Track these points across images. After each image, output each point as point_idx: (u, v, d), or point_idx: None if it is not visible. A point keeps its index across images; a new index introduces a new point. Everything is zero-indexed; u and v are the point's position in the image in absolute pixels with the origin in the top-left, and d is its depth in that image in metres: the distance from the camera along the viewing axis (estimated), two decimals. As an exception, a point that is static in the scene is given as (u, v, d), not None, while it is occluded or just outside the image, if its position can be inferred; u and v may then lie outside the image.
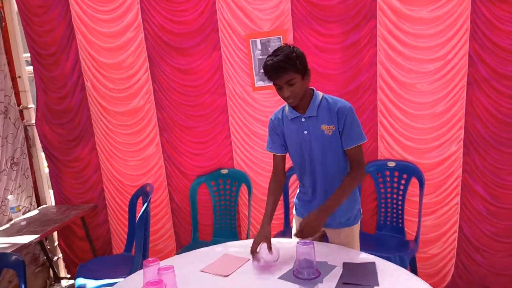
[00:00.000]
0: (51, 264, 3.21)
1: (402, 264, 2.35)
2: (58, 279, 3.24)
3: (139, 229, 2.17)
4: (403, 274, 1.58)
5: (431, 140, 2.61)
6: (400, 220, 2.73)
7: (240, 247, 1.89)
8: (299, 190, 1.98)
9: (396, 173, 2.73)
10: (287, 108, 1.81)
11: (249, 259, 1.72)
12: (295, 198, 2.02)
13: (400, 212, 2.73)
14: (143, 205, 2.39)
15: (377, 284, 1.46)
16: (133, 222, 2.60)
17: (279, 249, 1.64)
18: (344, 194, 1.74)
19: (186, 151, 2.89)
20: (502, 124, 2.46)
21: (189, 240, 2.91)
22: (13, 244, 2.35)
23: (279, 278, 1.34)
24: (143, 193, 2.61)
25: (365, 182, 2.79)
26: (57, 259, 3.32)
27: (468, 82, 2.49)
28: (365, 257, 1.72)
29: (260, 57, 2.71)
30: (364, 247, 1.87)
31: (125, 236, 2.86)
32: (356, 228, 1.92)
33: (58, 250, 3.33)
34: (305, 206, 1.92)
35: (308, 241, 1.36)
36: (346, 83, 2.66)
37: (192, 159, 2.90)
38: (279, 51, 1.64)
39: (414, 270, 2.64)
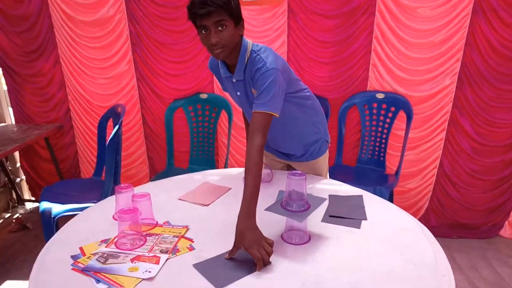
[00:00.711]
0: (13, 185, 3.03)
1: (381, 197, 2.33)
2: (21, 201, 3.09)
3: (109, 153, 1.99)
4: (391, 208, 1.51)
5: (426, 71, 2.47)
6: (382, 154, 2.67)
7: (221, 175, 1.77)
8: None
9: (384, 106, 2.62)
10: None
11: (230, 188, 1.60)
12: None
13: (383, 146, 2.66)
14: (113, 127, 2.19)
15: (365, 218, 1.39)
16: (102, 145, 2.41)
17: (273, 172, 1.52)
18: (252, 183, 1.24)
19: (162, 71, 2.62)
20: (502, 58, 2.34)
21: (163, 166, 2.77)
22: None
23: (266, 209, 1.23)
24: (113, 114, 2.38)
25: (351, 114, 2.67)
26: (20, 180, 3.14)
27: (474, 10, 2.29)
28: (352, 190, 1.64)
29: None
30: (343, 179, 1.79)
31: (95, 160, 2.68)
32: (323, 159, 1.79)
33: (21, 172, 3.13)
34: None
35: (300, 172, 1.23)
36: (344, 2, 2.40)
37: (169, 80, 2.65)
38: None
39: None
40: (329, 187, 1.67)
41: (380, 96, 2.60)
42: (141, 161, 2.83)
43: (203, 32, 1.33)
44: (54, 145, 2.82)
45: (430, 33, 2.39)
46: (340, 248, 1.22)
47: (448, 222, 2.72)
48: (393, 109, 2.59)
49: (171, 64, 2.61)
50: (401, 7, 2.37)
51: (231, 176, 1.77)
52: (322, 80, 2.61)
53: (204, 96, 2.65)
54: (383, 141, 2.66)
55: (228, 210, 1.39)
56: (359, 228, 1.33)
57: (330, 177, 2.52)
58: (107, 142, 1.97)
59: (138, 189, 1.43)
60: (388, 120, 2.62)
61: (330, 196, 1.56)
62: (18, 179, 3.11)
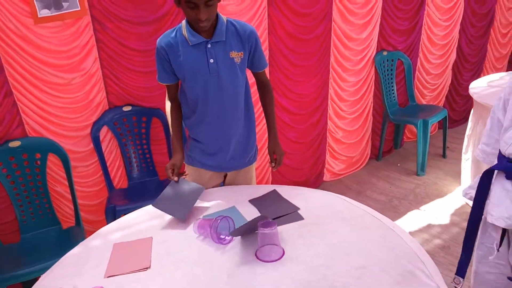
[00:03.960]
0: None
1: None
2: None
3: None
4: (299, 190, 1.66)
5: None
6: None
7: (116, 230, 1.47)
8: (194, 138, 1.73)
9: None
10: (185, 32, 1.53)
11: (151, 237, 1.37)
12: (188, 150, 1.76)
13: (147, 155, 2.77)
14: None
15: (298, 208, 1.49)
16: None
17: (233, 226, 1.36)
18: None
19: None
20: (296, 40, 2.80)
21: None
22: None
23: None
24: None
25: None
26: None
27: (269, 3, 2.63)
28: (261, 188, 1.69)
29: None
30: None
31: None
32: (254, 165, 1.88)
33: None
34: (207, 155, 1.72)
35: (270, 221, 1.21)
36: (154, 9, 2.29)
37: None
38: None
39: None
40: (234, 195, 1.65)
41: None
42: None
43: (190, 8, 1.41)
44: None
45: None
46: (312, 240, 1.28)
47: (288, 183, 3.16)
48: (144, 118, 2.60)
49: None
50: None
51: (130, 224, 1.50)
52: (147, 90, 2.45)
53: (15, 144, 2.05)
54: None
55: (176, 257, 1.21)
56: (303, 219, 1.42)
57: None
58: None
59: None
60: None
61: (250, 201, 1.57)
62: None
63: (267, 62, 1.98)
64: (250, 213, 1.48)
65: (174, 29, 1.57)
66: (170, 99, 1.72)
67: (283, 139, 3.03)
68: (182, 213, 1.46)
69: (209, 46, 1.52)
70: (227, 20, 1.57)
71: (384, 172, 3.47)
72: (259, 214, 1.47)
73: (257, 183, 2.96)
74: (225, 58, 1.55)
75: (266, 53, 2.74)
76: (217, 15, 1.53)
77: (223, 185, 1.85)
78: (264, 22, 2.66)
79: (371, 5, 3.08)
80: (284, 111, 2.97)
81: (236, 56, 1.56)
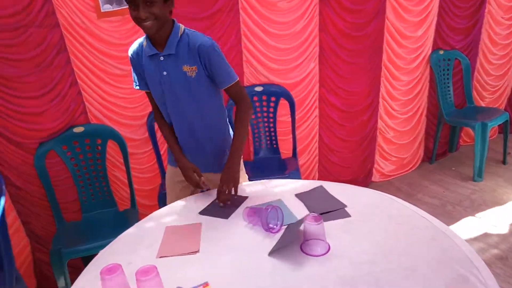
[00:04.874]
0: None
1: (298, 178, 2.52)
2: None
3: (4, 234, 1.45)
4: (348, 188, 1.65)
5: (293, 59, 2.71)
6: (274, 142, 2.83)
7: (170, 214, 1.55)
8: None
9: (264, 97, 2.75)
10: (145, 42, 1.53)
11: (200, 223, 1.43)
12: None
13: (273, 134, 2.82)
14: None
15: (345, 205, 1.48)
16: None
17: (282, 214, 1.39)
18: (244, 132, 1.63)
19: (14, 111, 2.04)
20: (348, 37, 2.76)
21: (47, 229, 2.21)
22: None
23: (270, 254, 1.20)
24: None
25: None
26: None
27: (320, 0, 2.61)
28: (307, 183, 1.70)
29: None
30: (252, 175, 1.85)
31: None
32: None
33: None
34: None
35: (317, 215, 1.22)
36: (208, 4, 2.36)
37: (26, 121, 2.08)
38: None
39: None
40: (280, 188, 1.67)
41: (258, 89, 2.72)
42: (14, 230, 2.17)
43: (132, 7, 1.37)
44: None
45: (290, 24, 2.61)
46: (358, 236, 1.28)
47: (335, 182, 3.13)
48: (273, 98, 2.75)
49: (27, 101, 2.06)
50: (262, 3, 2.50)
51: (181, 209, 1.57)
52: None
53: (79, 129, 2.21)
54: (272, 129, 2.81)
55: (225, 243, 1.26)
56: (350, 216, 1.41)
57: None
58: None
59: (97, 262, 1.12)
60: (271, 110, 2.78)
61: (297, 195, 1.58)
62: None
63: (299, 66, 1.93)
64: (297, 207, 1.49)
65: (143, 38, 1.55)
66: (153, 107, 1.69)
67: (331, 137, 3.01)
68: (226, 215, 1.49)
69: (161, 58, 1.49)
70: (184, 32, 1.49)
71: (437, 176, 3.32)
72: (306, 208, 1.48)
73: (303, 179, 2.98)
74: (177, 71, 1.50)
75: (315, 50, 2.73)
76: (173, 26, 1.47)
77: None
78: (315, 19, 2.65)
79: (427, 2, 2.95)
80: (333, 108, 2.94)
81: (190, 70, 1.49)
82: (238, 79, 1.56)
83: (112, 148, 2.32)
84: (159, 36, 1.46)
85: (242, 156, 1.68)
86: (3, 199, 1.51)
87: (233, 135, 1.64)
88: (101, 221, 2.20)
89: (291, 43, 2.65)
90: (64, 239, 2.05)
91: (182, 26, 1.51)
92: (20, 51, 1.96)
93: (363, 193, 1.59)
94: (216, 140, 1.70)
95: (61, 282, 2.01)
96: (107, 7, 2.10)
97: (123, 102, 2.31)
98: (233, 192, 1.56)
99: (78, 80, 2.18)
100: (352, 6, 2.68)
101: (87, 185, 2.27)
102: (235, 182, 1.56)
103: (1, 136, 2.04)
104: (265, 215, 1.31)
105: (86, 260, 2.27)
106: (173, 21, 1.50)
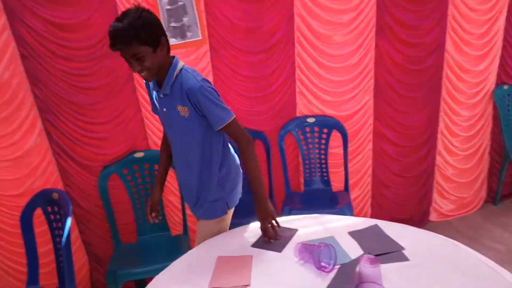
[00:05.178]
0: None
1: (350, 214, 2.46)
2: None
3: (67, 254, 1.55)
4: (407, 229, 1.57)
5: (347, 92, 2.69)
6: (325, 174, 2.80)
7: (219, 243, 1.56)
8: None
9: (317, 128, 2.74)
10: None
11: (251, 256, 1.43)
12: None
13: (324, 166, 2.79)
14: (48, 220, 1.74)
15: (402, 247, 1.41)
16: (31, 245, 1.86)
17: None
18: (256, 175, 1.56)
19: (84, 136, 2.20)
20: (404, 70, 2.71)
21: (104, 249, 2.32)
22: None
23: None
24: (43, 203, 1.87)
25: (288, 139, 2.72)
26: None
27: (377, 33, 2.61)
28: (361, 221, 1.65)
29: (169, 7, 2.20)
30: (302, 207, 1.79)
31: (15, 267, 2.08)
32: (214, 223, 1.66)
33: None
34: None
35: (373, 257, 1.19)
36: (265, 38, 2.44)
37: (93, 145, 2.23)
38: (124, 16, 1.38)
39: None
40: (332, 224, 1.63)
41: (311, 120, 2.72)
42: (75, 249, 2.30)
43: (126, 61, 1.41)
44: None
45: (345, 57, 2.61)
46: (419, 285, 1.21)
47: (389, 220, 3.00)
48: (325, 130, 2.74)
49: (95, 126, 2.21)
50: (318, 36, 2.53)
51: (232, 239, 1.58)
52: (254, 114, 2.60)
53: (139, 155, 2.33)
54: (323, 161, 2.78)
55: (275, 279, 1.24)
56: (408, 260, 1.34)
57: (284, 206, 2.55)
58: (63, 242, 1.53)
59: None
60: (323, 141, 2.76)
61: (350, 233, 1.54)
62: None
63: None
64: (350, 245, 1.45)
65: None
66: (163, 135, 1.80)
67: (386, 171, 2.92)
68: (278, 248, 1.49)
69: (161, 96, 1.54)
70: (180, 71, 1.50)
71: (503, 219, 3.08)
72: (360, 248, 1.43)
73: (355, 215, 2.89)
74: (173, 110, 1.53)
75: (370, 83, 2.70)
76: (170, 66, 1.49)
77: None
78: (370, 52, 2.63)
79: (490, 36, 2.83)
80: (388, 142, 2.86)
81: (182, 110, 1.50)
82: (231, 119, 1.51)
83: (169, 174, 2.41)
84: (160, 76, 1.51)
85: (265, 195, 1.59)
86: (69, 220, 1.61)
87: (248, 177, 1.58)
88: (155, 245, 2.26)
89: (345, 76, 2.65)
90: (120, 261, 2.13)
91: (180, 65, 1.51)
92: (92, 80, 2.13)
93: (423, 235, 1.51)
94: (204, 176, 1.64)
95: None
96: (172, 41, 2.24)
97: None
98: (275, 224, 1.55)
99: (142, 108, 2.32)
100: (410, 40, 2.64)
101: (144, 208, 2.36)
102: (272, 215, 1.56)
103: (71, 159, 2.20)
104: (318, 253, 1.28)
105: (139, 283, 2.36)
106: (172, 59, 1.51)
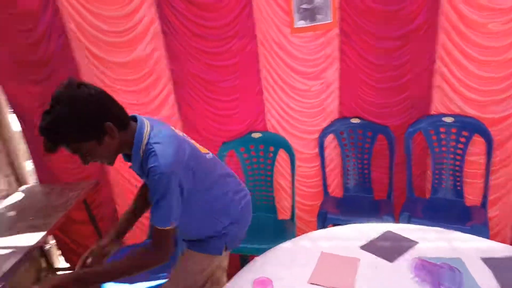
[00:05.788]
0: (43, 253, 2.65)
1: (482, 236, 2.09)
2: (53, 270, 2.70)
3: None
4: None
5: (499, 91, 2.27)
6: (458, 184, 2.43)
7: (329, 239, 1.48)
8: None
9: (454, 130, 2.39)
10: None
11: (359, 259, 1.31)
12: None
13: (458, 174, 2.43)
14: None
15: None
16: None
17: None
18: (110, 275, 1.27)
19: (210, 112, 2.35)
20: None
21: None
22: (12, 250, 1.70)
23: None
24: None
25: (416, 139, 2.44)
26: (49, 247, 2.76)
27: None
28: (501, 247, 1.36)
29: (303, -13, 2.16)
30: (425, 216, 1.51)
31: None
32: (204, 259, 1.44)
33: (48, 237, 2.75)
34: None
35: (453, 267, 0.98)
36: (403, 22, 2.20)
37: (217, 121, 2.37)
38: (50, 109, 1.12)
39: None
40: (462, 244, 1.38)
41: (448, 119, 2.38)
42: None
43: None
44: (90, 204, 2.47)
45: (502, 50, 2.19)
46: None
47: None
48: (465, 133, 2.37)
49: (220, 103, 2.34)
50: (468, 23, 2.17)
51: (340, 237, 1.48)
52: (380, 106, 2.40)
53: (257, 135, 2.38)
54: (457, 168, 2.43)
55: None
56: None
57: (403, 211, 2.30)
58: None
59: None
60: (460, 146, 2.40)
61: (484, 259, 1.28)
62: (47, 246, 2.72)
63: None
64: (482, 274, 1.20)
65: None
66: None
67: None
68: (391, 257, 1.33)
69: (135, 168, 1.29)
70: (146, 145, 1.20)
71: None
72: (495, 280, 1.18)
73: (490, 238, 2.47)
74: (146, 184, 1.31)
75: None
76: (134, 141, 1.21)
77: None
78: None
79: None
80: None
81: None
82: (165, 228, 1.20)
83: (282, 157, 2.41)
84: (124, 151, 1.28)
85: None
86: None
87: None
88: (262, 225, 2.30)
89: (500, 72, 2.23)
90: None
91: (145, 137, 1.22)
92: (223, 58, 2.24)
93: None
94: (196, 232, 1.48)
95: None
96: (301, 23, 2.19)
97: (299, 115, 2.38)
98: None
99: (264, 90, 2.35)
100: None
101: (255, 187, 2.42)
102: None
103: (196, 131, 2.37)
104: (439, 275, 1.09)
105: (243, 258, 2.43)
106: (134, 133, 1.23)
